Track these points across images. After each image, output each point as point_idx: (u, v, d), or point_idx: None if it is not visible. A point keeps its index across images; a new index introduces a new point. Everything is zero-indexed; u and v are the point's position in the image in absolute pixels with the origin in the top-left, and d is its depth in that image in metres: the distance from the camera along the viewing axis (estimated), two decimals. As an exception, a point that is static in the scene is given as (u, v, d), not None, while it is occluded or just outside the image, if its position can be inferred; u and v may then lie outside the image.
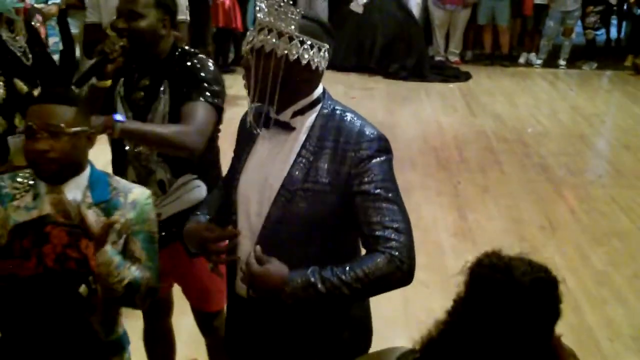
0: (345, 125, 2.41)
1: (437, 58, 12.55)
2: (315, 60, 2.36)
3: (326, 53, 2.40)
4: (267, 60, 2.32)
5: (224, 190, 2.66)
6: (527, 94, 10.93)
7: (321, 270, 2.25)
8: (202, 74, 3.06)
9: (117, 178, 2.68)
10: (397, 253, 2.27)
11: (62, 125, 2.43)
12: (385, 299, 4.83)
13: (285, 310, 2.38)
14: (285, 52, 2.31)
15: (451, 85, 11.26)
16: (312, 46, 2.34)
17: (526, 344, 1.66)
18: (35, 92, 3.29)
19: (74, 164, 2.51)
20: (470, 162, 7.84)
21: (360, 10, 11.71)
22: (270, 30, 2.31)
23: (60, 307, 2.04)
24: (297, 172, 2.38)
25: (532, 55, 12.78)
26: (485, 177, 7.41)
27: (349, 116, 2.45)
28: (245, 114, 2.60)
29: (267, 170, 2.44)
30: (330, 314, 2.49)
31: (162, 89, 3.09)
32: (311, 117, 2.43)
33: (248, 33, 2.39)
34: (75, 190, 2.52)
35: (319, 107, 2.44)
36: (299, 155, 2.40)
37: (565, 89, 11.55)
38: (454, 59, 12.65)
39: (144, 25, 3.02)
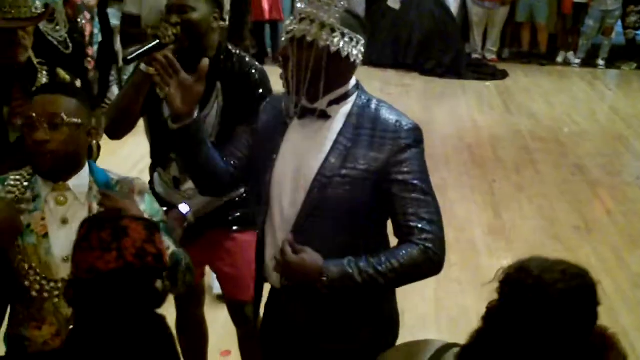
0: (382, 115, 2.45)
1: (474, 56, 12.47)
2: (354, 52, 2.38)
3: (362, 47, 2.42)
4: (308, 51, 2.33)
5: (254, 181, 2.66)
6: (564, 93, 10.83)
7: (357, 261, 2.31)
8: (262, 92, 3.09)
9: (115, 172, 2.70)
10: (430, 245, 2.37)
11: (63, 115, 2.44)
12: (418, 295, 4.89)
13: (318, 301, 2.41)
14: (327, 43, 2.32)
15: (488, 83, 11.20)
16: (351, 39, 2.37)
17: (562, 347, 1.65)
18: (78, 83, 3.32)
19: (73, 158, 2.51)
20: (505, 161, 7.79)
21: (397, 6, 11.69)
22: (312, 21, 2.33)
23: (137, 302, 2.00)
24: (334, 159, 2.41)
25: (571, 54, 12.66)
26: (521, 176, 7.37)
27: (384, 106, 2.49)
28: (267, 104, 2.65)
29: (301, 159, 2.46)
30: (362, 306, 2.52)
31: (214, 92, 3.11)
32: (346, 107, 2.46)
33: (287, 22, 2.40)
34: (81, 187, 2.55)
35: (353, 97, 2.47)
36: (336, 142, 2.43)
37: (604, 89, 11.43)
38: (491, 56, 12.57)
39: (196, 17, 3.04)
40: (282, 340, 2.68)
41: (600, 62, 12.48)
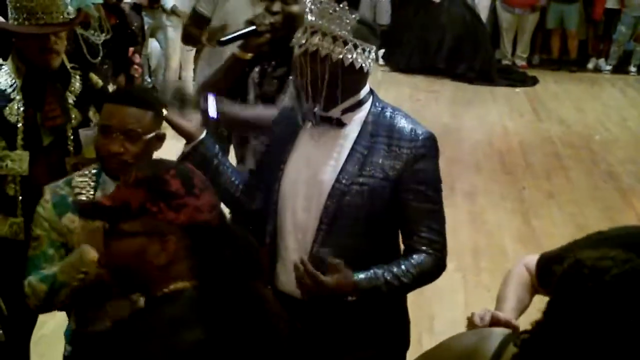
0: (397, 123, 2.51)
1: (504, 62, 12.41)
2: (367, 62, 2.43)
3: (373, 54, 2.46)
4: (322, 64, 2.38)
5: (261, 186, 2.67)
6: (595, 100, 10.74)
7: (384, 273, 2.41)
8: None
9: None
10: (440, 255, 2.54)
11: (140, 130, 2.51)
12: (448, 301, 4.87)
13: (334, 310, 2.46)
14: (340, 56, 2.37)
15: (517, 89, 11.13)
16: (363, 50, 2.41)
17: (628, 331, 1.63)
18: (110, 88, 3.35)
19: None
20: (535, 168, 7.75)
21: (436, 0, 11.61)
22: (324, 34, 2.36)
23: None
24: (351, 167, 2.45)
25: (602, 61, 12.55)
26: (551, 183, 7.32)
27: (400, 114, 2.55)
28: (281, 113, 2.71)
29: (316, 167, 2.50)
30: (375, 313, 2.56)
31: (288, 81, 3.14)
32: (360, 114, 2.51)
33: (298, 35, 2.43)
34: None
35: (367, 104, 2.52)
36: (352, 149, 2.47)
37: (635, 96, 11.30)
38: (520, 63, 12.50)
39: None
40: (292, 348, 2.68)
41: (632, 68, 12.35)
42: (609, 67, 12.40)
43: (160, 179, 1.86)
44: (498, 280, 4.96)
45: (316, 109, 2.48)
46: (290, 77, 3.12)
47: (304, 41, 2.39)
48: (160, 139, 2.63)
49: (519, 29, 12.38)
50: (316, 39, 2.36)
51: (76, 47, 3.53)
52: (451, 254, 5.69)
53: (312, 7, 2.40)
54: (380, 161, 2.45)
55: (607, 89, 11.53)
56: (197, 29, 4.70)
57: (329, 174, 2.48)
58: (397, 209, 2.48)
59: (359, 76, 2.45)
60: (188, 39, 5.00)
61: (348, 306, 2.43)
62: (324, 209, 2.46)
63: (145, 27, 8.35)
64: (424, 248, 2.49)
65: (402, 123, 2.50)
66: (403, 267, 2.44)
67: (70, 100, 3.20)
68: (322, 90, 2.40)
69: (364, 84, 2.52)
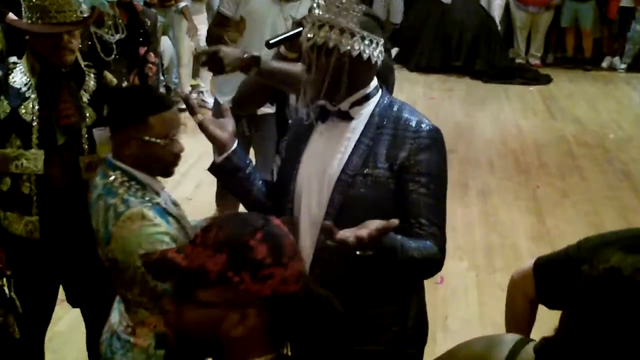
0: (403, 115, 2.52)
1: (518, 60, 12.37)
2: (375, 54, 2.44)
3: (382, 47, 2.47)
4: (329, 56, 2.39)
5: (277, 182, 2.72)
6: (609, 98, 10.69)
7: (403, 240, 2.35)
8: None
9: None
10: (440, 250, 2.45)
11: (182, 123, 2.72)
12: (462, 300, 4.87)
13: (347, 297, 2.39)
14: (348, 47, 2.38)
15: (531, 88, 11.09)
16: (371, 41, 2.42)
17: None
18: (124, 85, 3.36)
19: None
20: (549, 167, 7.72)
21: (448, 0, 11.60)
22: (331, 27, 2.38)
23: None
24: (356, 158, 2.47)
25: (616, 60, 12.48)
26: (565, 182, 7.29)
27: (407, 107, 2.57)
28: (296, 117, 2.73)
29: (326, 161, 2.52)
30: (389, 306, 2.56)
31: None
32: (368, 107, 2.52)
33: (305, 30, 2.45)
34: None
35: (375, 98, 2.54)
36: (358, 141, 2.49)
37: (650, 95, 11.27)
38: (534, 61, 12.45)
39: None
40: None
41: (647, 67, 12.29)
42: (623, 66, 12.33)
43: (246, 244, 1.65)
44: (512, 279, 4.99)
45: (325, 103, 2.52)
46: None
47: (311, 35, 2.41)
48: None
49: (533, 28, 12.34)
50: (324, 32, 2.38)
51: (91, 45, 3.54)
52: (464, 252, 5.77)
53: (320, 1, 2.41)
54: (384, 151, 2.47)
55: (621, 87, 11.46)
56: (220, 30, 4.70)
57: (335, 167, 2.50)
58: (399, 200, 2.47)
59: (367, 68, 2.47)
60: (212, 40, 5.01)
61: (358, 293, 2.43)
62: (329, 201, 2.49)
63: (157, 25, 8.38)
64: (427, 239, 2.44)
65: (408, 115, 2.53)
66: (414, 244, 2.39)
67: (85, 99, 3.22)
68: (330, 82, 2.42)
69: (372, 77, 2.54)
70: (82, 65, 3.25)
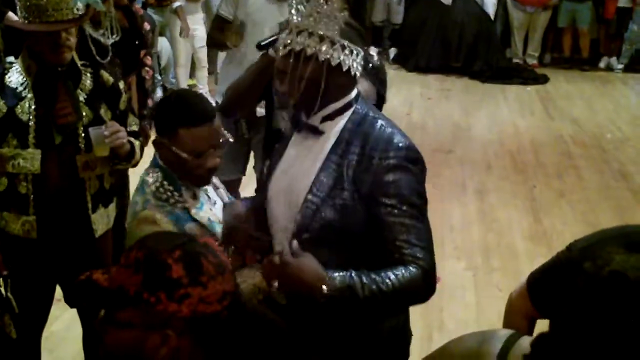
0: (374, 132, 2.33)
1: (515, 60, 12.37)
2: (354, 65, 2.30)
3: (361, 59, 2.33)
4: (306, 64, 2.25)
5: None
6: (606, 99, 10.69)
7: (360, 274, 2.19)
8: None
9: None
10: (426, 270, 2.25)
11: (223, 139, 2.60)
12: (459, 300, 4.88)
13: (320, 317, 2.31)
14: (327, 56, 2.25)
15: (529, 88, 11.10)
16: (351, 51, 2.29)
17: None
18: (121, 85, 3.36)
19: None
20: (546, 166, 7.72)
21: (448, 1, 11.58)
22: (310, 34, 2.25)
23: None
24: (324, 178, 2.33)
25: (613, 60, 12.48)
26: (562, 182, 7.30)
27: (379, 122, 2.37)
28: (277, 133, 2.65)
29: (292, 175, 2.42)
30: (368, 321, 2.43)
31: None
32: (341, 122, 2.37)
33: (282, 35, 2.35)
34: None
35: (349, 112, 2.37)
36: (327, 159, 2.35)
37: (648, 95, 11.29)
38: (532, 61, 12.45)
39: None
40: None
41: (644, 67, 12.30)
42: (620, 66, 12.34)
43: (161, 263, 1.62)
44: (509, 279, 5.03)
45: (298, 115, 2.40)
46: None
47: (289, 41, 2.28)
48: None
49: (531, 28, 12.34)
50: (302, 39, 2.25)
51: (84, 44, 3.53)
52: (461, 252, 5.77)
53: (299, 6, 2.30)
54: (351, 173, 2.29)
55: (618, 87, 11.47)
56: (220, 33, 4.69)
57: (302, 186, 2.36)
58: (374, 226, 2.29)
59: (345, 79, 2.31)
60: (213, 43, 4.97)
61: (327, 315, 2.25)
62: (296, 223, 2.35)
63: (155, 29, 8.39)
64: (408, 265, 2.24)
65: (379, 132, 2.33)
66: (383, 274, 2.19)
67: (81, 98, 3.21)
68: (305, 92, 2.28)
69: (350, 90, 2.38)
70: (79, 65, 3.25)
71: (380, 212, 2.27)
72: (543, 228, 6.18)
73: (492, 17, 12.03)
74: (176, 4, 8.63)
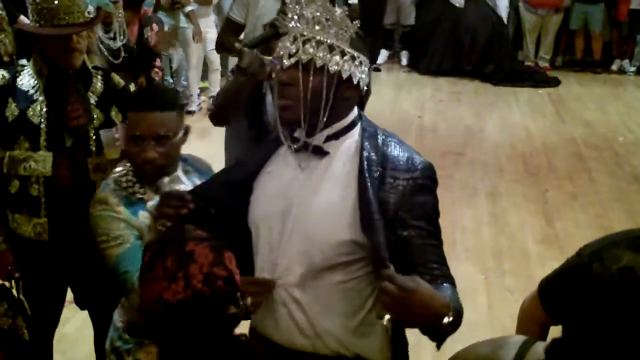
0: (391, 151, 2.22)
1: (527, 63, 12.34)
2: (364, 78, 2.18)
3: (368, 70, 2.20)
4: (315, 76, 2.10)
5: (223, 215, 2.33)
6: (619, 101, 10.65)
7: (449, 292, 2.09)
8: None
9: (192, 156, 2.85)
10: (454, 284, 2.18)
11: (170, 134, 2.58)
12: (470, 302, 4.84)
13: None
14: (337, 67, 2.11)
15: (540, 90, 11.06)
16: (361, 63, 2.16)
17: None
18: (132, 87, 3.36)
19: (174, 162, 2.70)
20: (558, 169, 7.70)
21: (461, 4, 11.57)
22: (319, 43, 2.10)
23: (209, 329, 1.82)
24: (346, 202, 2.17)
25: (626, 62, 12.43)
26: (574, 185, 7.27)
27: (393, 141, 2.25)
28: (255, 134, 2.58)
29: (292, 200, 2.21)
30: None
31: None
32: (347, 142, 2.22)
33: (285, 44, 2.15)
34: (170, 183, 2.67)
35: (355, 130, 2.24)
36: (337, 183, 2.20)
37: (660, 98, 11.23)
38: (543, 64, 12.41)
39: None
40: None
41: (657, 70, 12.24)
42: (633, 69, 12.29)
43: (146, 248, 1.88)
44: (521, 282, 5.01)
45: (298, 134, 2.21)
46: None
47: (294, 50, 2.11)
48: (186, 133, 2.71)
49: (543, 30, 12.31)
50: (310, 49, 2.09)
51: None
52: (473, 255, 5.75)
53: (305, 12, 2.12)
54: (371, 196, 2.13)
55: (631, 90, 11.43)
56: (230, 37, 4.67)
57: (310, 211, 2.18)
58: (398, 246, 2.15)
59: (352, 93, 2.18)
60: (221, 47, 4.96)
61: None
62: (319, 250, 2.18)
63: (166, 28, 8.40)
64: (442, 284, 2.13)
65: (397, 152, 2.21)
66: (451, 293, 2.09)
67: (92, 101, 3.22)
68: (313, 108, 2.11)
69: (354, 105, 2.24)
70: (90, 67, 3.25)
71: (410, 234, 2.15)
72: (555, 231, 6.16)
73: (505, 20, 12.01)
74: (188, 8, 8.65)
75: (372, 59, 11.56)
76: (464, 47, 11.60)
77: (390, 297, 1.87)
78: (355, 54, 2.14)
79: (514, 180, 7.34)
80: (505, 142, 8.55)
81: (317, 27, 2.10)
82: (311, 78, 2.09)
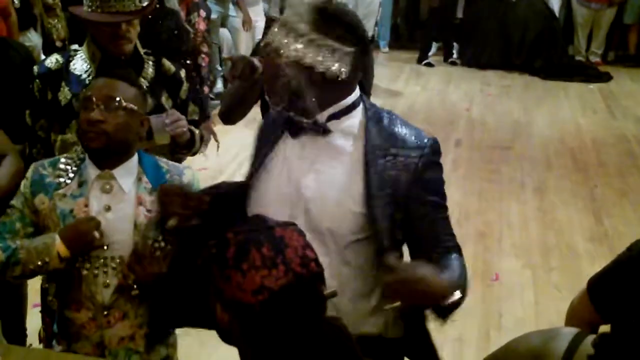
0: (396, 129, 2.26)
1: (577, 58, 12.17)
2: (343, 70, 2.16)
3: (348, 56, 2.17)
4: (303, 72, 2.14)
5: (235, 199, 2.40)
6: (672, 98, 10.47)
7: (449, 274, 2.13)
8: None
9: (165, 160, 2.79)
10: (463, 258, 2.27)
11: (119, 98, 2.53)
12: (517, 299, 4.83)
13: None
14: (328, 65, 2.13)
15: (591, 86, 10.91)
16: (348, 54, 2.15)
17: None
18: (182, 74, 3.38)
19: (123, 144, 2.59)
20: (608, 166, 7.59)
21: None
22: (311, 40, 2.13)
23: (312, 312, 1.79)
24: (355, 182, 2.21)
25: (680, 59, 12.22)
26: (624, 182, 7.16)
27: (398, 119, 2.30)
28: (264, 121, 2.50)
29: (299, 181, 2.25)
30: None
31: None
32: (350, 121, 2.25)
33: (270, 37, 2.19)
34: (127, 177, 2.62)
35: (357, 111, 2.26)
36: (344, 162, 2.24)
37: None
38: (595, 59, 12.23)
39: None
40: None
41: None
42: (687, 65, 12.06)
43: (225, 238, 1.74)
44: (569, 279, 4.96)
45: (297, 118, 2.24)
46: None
47: (290, 49, 2.14)
48: (143, 123, 2.68)
49: (595, 25, 12.11)
50: (299, 45, 2.12)
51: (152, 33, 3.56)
52: (520, 250, 5.70)
53: (293, 8, 2.20)
54: (380, 173, 2.19)
55: (685, 87, 11.22)
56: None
57: (317, 192, 2.22)
58: (410, 223, 2.23)
59: (344, 83, 2.19)
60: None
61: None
62: (335, 226, 2.22)
63: (215, 16, 8.44)
64: (451, 255, 2.23)
65: (403, 129, 2.25)
66: (453, 269, 2.16)
67: (144, 86, 3.23)
68: (294, 98, 2.17)
69: (350, 89, 2.24)
70: (142, 53, 3.27)
71: (425, 210, 2.22)
72: (604, 229, 6.08)
73: (557, 14, 11.86)
74: None
75: (424, 52, 11.59)
76: (513, 41, 11.49)
77: (393, 287, 1.97)
78: (345, 48, 2.14)
79: (562, 176, 7.25)
80: (554, 137, 8.45)
81: (305, 24, 2.14)
82: (298, 74, 2.14)
